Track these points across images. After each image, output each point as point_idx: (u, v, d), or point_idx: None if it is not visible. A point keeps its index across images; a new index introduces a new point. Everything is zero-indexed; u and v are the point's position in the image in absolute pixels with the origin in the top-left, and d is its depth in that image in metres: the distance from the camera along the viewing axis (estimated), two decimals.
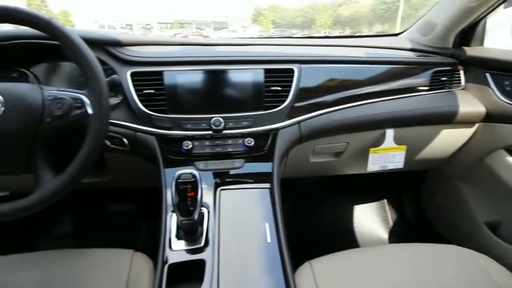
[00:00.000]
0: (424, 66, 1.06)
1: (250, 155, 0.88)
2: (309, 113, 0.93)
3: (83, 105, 0.66)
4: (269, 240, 0.71)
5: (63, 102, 0.65)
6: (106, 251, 0.79)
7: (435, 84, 1.07)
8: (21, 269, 0.73)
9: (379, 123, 1.02)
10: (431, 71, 1.06)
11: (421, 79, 1.06)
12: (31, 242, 1.31)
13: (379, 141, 1.05)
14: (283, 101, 0.90)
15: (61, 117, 0.64)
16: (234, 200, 0.79)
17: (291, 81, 0.91)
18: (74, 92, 0.67)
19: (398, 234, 1.53)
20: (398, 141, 1.05)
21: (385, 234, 1.53)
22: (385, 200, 1.63)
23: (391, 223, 1.57)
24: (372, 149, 1.05)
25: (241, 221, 0.74)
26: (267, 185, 0.83)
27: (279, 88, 0.90)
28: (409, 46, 1.12)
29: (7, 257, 0.77)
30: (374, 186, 1.60)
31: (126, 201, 1.47)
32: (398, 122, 1.02)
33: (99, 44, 0.85)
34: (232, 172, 0.86)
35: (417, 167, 1.31)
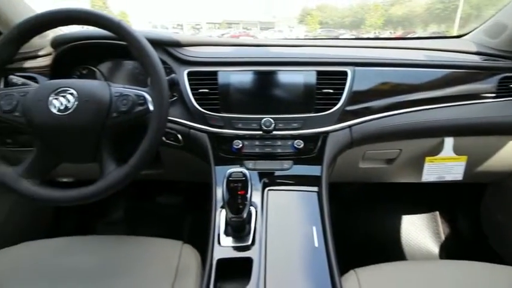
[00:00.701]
0: (490, 72, 0.98)
1: (298, 157, 0.88)
2: (361, 117, 0.91)
3: (145, 102, 0.69)
4: (316, 244, 0.70)
5: (128, 99, 0.69)
6: (156, 240, 0.84)
7: (503, 91, 0.98)
8: (81, 251, 0.80)
9: (437, 131, 0.96)
10: (499, 76, 0.97)
11: (486, 85, 0.98)
12: (88, 225, 1.42)
13: (436, 150, 0.99)
14: (335, 104, 0.88)
15: (125, 112, 0.69)
16: (282, 201, 0.80)
17: (344, 84, 0.89)
18: (138, 90, 0.71)
19: (450, 249, 1.43)
20: (457, 151, 0.98)
21: (435, 249, 1.44)
22: (437, 212, 1.53)
23: (443, 237, 1.47)
24: (428, 158, 0.99)
25: (288, 222, 0.75)
26: (315, 189, 0.82)
27: (331, 91, 0.88)
28: (475, 49, 1.03)
29: (69, 238, 0.84)
30: (425, 197, 1.51)
31: (174, 194, 1.54)
32: (459, 130, 0.95)
33: (160, 45, 0.90)
34: (280, 173, 0.86)
35: (477, 179, 1.21)
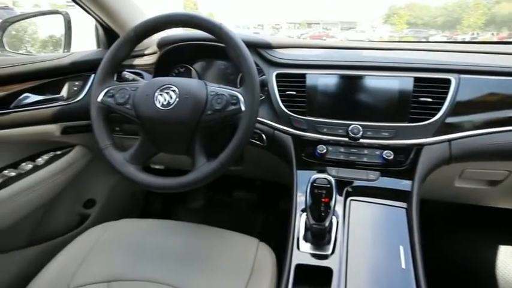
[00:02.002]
0: None
1: (386, 168, 0.83)
2: (463, 131, 0.81)
3: (237, 101, 0.72)
4: (403, 265, 0.65)
5: (222, 98, 0.73)
6: (235, 234, 0.87)
7: None
8: (168, 234, 0.87)
9: None
10: None
11: None
12: (170, 210, 1.55)
13: None
14: (433, 115, 0.80)
15: (219, 110, 0.72)
16: (365, 213, 0.76)
17: (446, 93, 0.80)
18: (231, 90, 0.74)
19: None
20: None
21: None
22: None
23: None
24: None
25: (372, 237, 0.71)
26: (403, 204, 0.76)
27: (430, 99, 0.81)
28: None
29: (159, 220, 0.92)
30: None
31: (249, 191, 1.59)
32: None
33: (252, 46, 0.93)
34: (365, 183, 0.82)
35: None
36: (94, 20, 1.05)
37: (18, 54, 1.13)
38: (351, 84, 0.86)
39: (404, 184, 0.80)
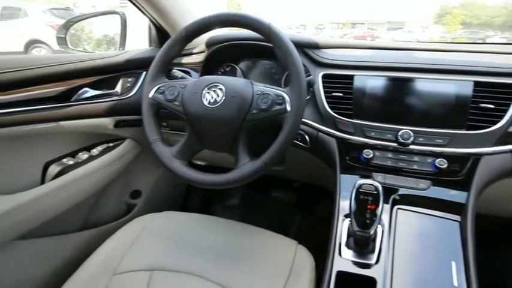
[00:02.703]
0: None
1: (438, 177, 0.78)
2: None
3: (283, 101, 0.72)
4: (455, 283, 0.61)
5: (268, 98, 0.73)
6: (273, 235, 0.87)
7: None
8: (209, 229, 0.89)
9: None
10: None
11: None
12: (209, 205, 1.59)
13: None
14: (495, 122, 0.74)
15: (264, 110, 0.72)
16: (414, 224, 0.72)
17: (510, 100, 0.74)
18: (278, 90, 0.74)
19: None
20: None
21: None
22: None
23: None
24: None
25: (420, 250, 0.67)
26: (457, 217, 0.71)
27: (491, 106, 0.74)
28: None
29: (200, 215, 0.95)
30: None
31: (287, 192, 1.58)
32: None
33: (299, 46, 0.92)
34: (414, 192, 0.78)
35: None
36: (147, 20, 1.10)
37: (78, 51, 1.21)
38: (402, 87, 0.82)
39: (458, 195, 0.74)
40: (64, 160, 0.96)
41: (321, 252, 0.90)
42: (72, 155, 0.99)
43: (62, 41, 1.18)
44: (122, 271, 0.76)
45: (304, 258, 0.78)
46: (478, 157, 0.75)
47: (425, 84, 0.81)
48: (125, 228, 0.89)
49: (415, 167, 0.79)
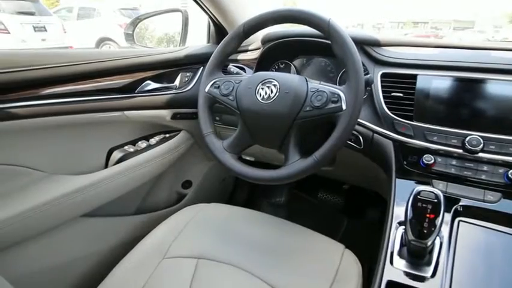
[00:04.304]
0: None
1: (510, 190, 0.70)
2: None
3: (339, 100, 0.69)
4: None
5: (323, 95, 0.71)
6: (319, 236, 0.85)
7: None
8: (255, 224, 0.90)
9: None
10: None
11: None
12: (255, 201, 1.60)
13: None
14: None
15: (318, 108, 0.71)
16: (478, 239, 0.65)
17: None
18: (333, 87, 0.72)
19: None
20: None
21: None
22: None
23: None
24: None
25: (484, 267, 0.60)
26: None
27: None
28: None
29: (247, 209, 0.96)
30: None
31: (335, 193, 1.54)
32: None
33: (359, 43, 0.88)
34: (480, 205, 0.70)
35: None
36: (207, 17, 1.14)
37: (143, 47, 1.29)
38: (471, 88, 0.75)
39: None
40: (126, 147, 1.03)
41: (367, 259, 0.86)
42: (133, 143, 1.06)
43: (129, 37, 1.27)
44: (171, 256, 0.80)
45: (351, 264, 0.76)
46: None
47: (497, 86, 0.73)
48: (176, 216, 0.93)
49: (483, 176, 0.72)
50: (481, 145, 0.70)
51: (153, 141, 1.10)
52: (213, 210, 0.95)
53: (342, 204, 1.52)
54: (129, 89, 0.97)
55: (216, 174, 1.40)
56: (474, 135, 0.71)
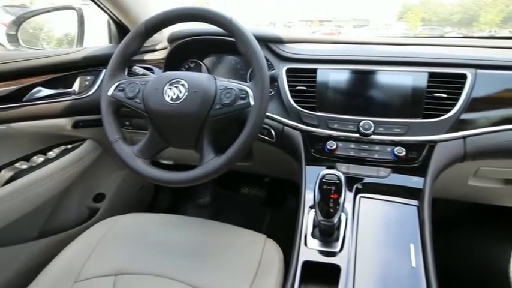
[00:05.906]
0: None
1: (398, 165, 0.81)
2: (478, 127, 0.78)
3: (246, 96, 0.71)
4: (414, 264, 0.63)
5: (231, 93, 0.72)
6: (241, 230, 0.86)
7: None
8: (176, 228, 0.87)
9: None
10: None
11: None
12: (178, 205, 1.56)
13: None
14: (448, 111, 0.78)
15: (228, 105, 0.71)
16: (375, 211, 0.74)
17: (462, 89, 0.78)
18: (241, 84, 0.73)
19: None
20: None
21: None
22: None
23: None
24: None
25: (381, 235, 0.69)
26: (415, 202, 0.74)
27: (444, 95, 0.78)
28: None
29: (167, 215, 0.92)
30: None
31: (257, 187, 1.58)
32: None
33: (263, 41, 0.92)
34: (375, 180, 0.80)
35: None
36: (107, 16, 1.05)
37: (31, 48, 1.14)
38: (362, 79, 0.85)
39: (416, 181, 0.78)
40: (17, 164, 0.90)
41: (290, 245, 0.91)
42: (26, 158, 0.93)
43: (12, 38, 1.11)
44: (84, 278, 0.72)
45: (272, 252, 0.79)
46: (433, 144, 0.79)
47: (384, 76, 0.83)
48: (87, 233, 0.85)
49: (376, 156, 0.81)
50: (372, 128, 0.79)
51: (51, 154, 0.98)
52: (129, 221, 0.89)
53: (264, 197, 1.57)
54: (15, 97, 0.85)
55: (132, 183, 1.31)
56: (366, 120, 0.80)
